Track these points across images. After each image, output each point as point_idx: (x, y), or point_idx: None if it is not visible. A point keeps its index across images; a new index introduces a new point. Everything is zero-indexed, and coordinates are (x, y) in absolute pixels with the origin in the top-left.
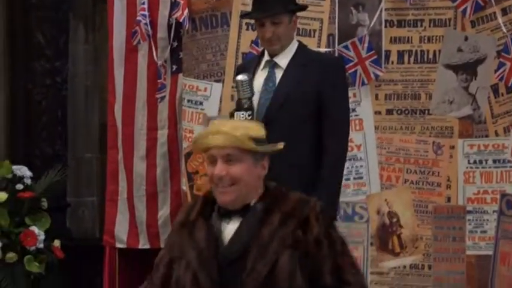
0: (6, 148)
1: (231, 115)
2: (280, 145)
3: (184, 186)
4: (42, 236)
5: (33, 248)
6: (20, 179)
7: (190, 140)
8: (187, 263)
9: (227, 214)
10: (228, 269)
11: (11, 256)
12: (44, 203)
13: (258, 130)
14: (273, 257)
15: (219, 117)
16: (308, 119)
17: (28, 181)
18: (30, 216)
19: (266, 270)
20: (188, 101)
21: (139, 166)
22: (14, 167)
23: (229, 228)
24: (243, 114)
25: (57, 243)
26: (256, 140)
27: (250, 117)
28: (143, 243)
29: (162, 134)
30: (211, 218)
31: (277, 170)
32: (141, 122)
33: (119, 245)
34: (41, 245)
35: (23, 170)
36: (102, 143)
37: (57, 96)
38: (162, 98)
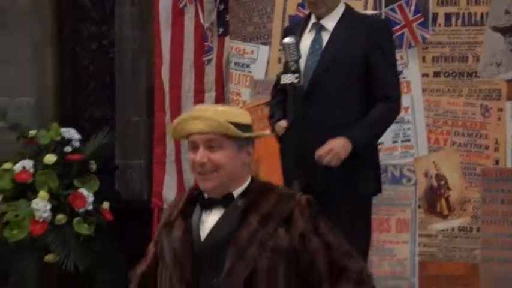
0: (55, 111)
1: (278, 78)
2: (267, 132)
3: None
4: (90, 198)
5: (82, 210)
6: (69, 142)
7: (237, 102)
8: (166, 264)
9: (209, 205)
10: (204, 267)
11: (60, 218)
12: (93, 166)
13: (243, 116)
14: (251, 262)
15: (266, 80)
16: (355, 82)
17: (76, 144)
18: (79, 178)
19: (245, 274)
20: (235, 63)
21: None
22: (63, 130)
23: (210, 220)
24: (289, 77)
25: (105, 205)
26: (240, 126)
27: (297, 79)
28: None
29: (209, 97)
30: (193, 214)
31: (323, 135)
32: (188, 84)
33: (166, 207)
34: (90, 207)
35: (71, 133)
36: (149, 106)
37: (104, 60)
38: (209, 60)
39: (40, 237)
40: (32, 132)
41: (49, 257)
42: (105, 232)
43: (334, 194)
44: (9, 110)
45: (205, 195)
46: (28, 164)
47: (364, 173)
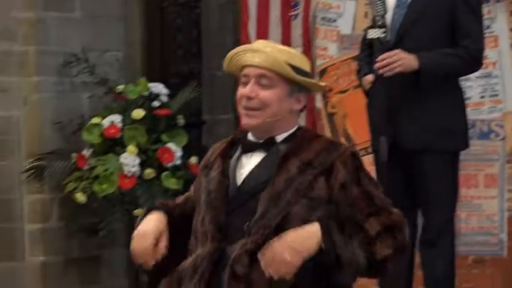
0: (142, 66)
1: (365, 32)
2: (323, 84)
3: (319, 104)
4: (179, 153)
5: (170, 164)
6: (157, 97)
7: (324, 57)
8: (200, 205)
9: (250, 148)
10: (237, 211)
11: (149, 172)
12: (181, 120)
13: (303, 62)
14: (285, 208)
15: (353, 35)
16: (441, 35)
17: (164, 98)
18: (167, 133)
19: (278, 220)
20: (321, 18)
21: None
22: (150, 85)
23: (249, 164)
24: (376, 31)
25: (193, 160)
26: (297, 69)
27: (384, 34)
28: None
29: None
30: (232, 157)
31: (409, 88)
32: (275, 39)
33: None
34: (178, 162)
35: (159, 88)
36: None
37: (191, 15)
38: (296, 15)
39: (129, 192)
40: (120, 87)
41: (138, 211)
42: None
43: (422, 150)
44: (98, 65)
45: (248, 137)
46: (116, 118)
47: (451, 128)
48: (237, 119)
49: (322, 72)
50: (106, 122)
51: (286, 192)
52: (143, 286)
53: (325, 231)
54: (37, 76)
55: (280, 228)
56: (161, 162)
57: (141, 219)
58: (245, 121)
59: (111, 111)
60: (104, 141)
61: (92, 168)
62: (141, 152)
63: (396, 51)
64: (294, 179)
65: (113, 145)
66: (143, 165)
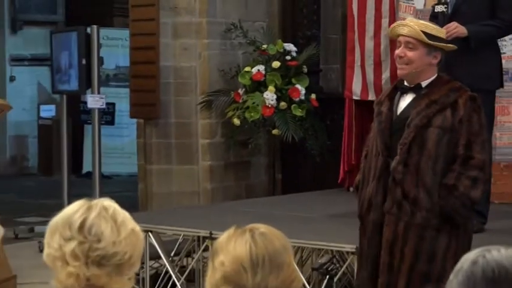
0: (279, 31)
1: (433, 7)
2: (451, 46)
3: None
4: (303, 91)
5: (297, 99)
6: (289, 52)
7: None
8: (374, 132)
9: (405, 91)
10: (396, 134)
11: (283, 104)
12: (304, 69)
13: (436, 30)
14: (414, 130)
15: (424, 9)
16: (484, 11)
17: (294, 54)
18: (295, 77)
19: (409, 139)
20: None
21: (369, 43)
22: (285, 44)
23: (404, 102)
24: (440, 7)
25: (313, 96)
26: (430, 36)
27: (445, 9)
28: (371, 96)
29: (385, 21)
30: (395, 97)
31: (463, 46)
32: (371, 12)
33: (355, 98)
34: (302, 97)
35: (290, 46)
36: (343, 27)
37: None
38: None
39: (269, 118)
40: (264, 46)
41: (275, 131)
42: (312, 114)
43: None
44: (249, 31)
45: (404, 83)
46: (261, 68)
47: (489, 73)
48: (343, 68)
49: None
50: (254, 70)
51: (415, 120)
52: (277, 182)
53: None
54: (207, 39)
55: (412, 146)
56: (291, 97)
57: None
58: (398, 72)
59: (258, 63)
60: (253, 83)
61: (244, 101)
62: (278, 90)
63: (454, 23)
64: (421, 112)
65: (258, 86)
66: (279, 99)
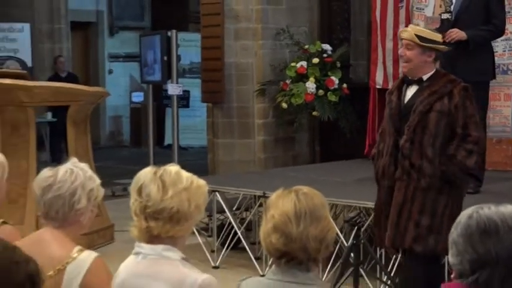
0: (317, 35)
1: (440, 15)
2: (443, 47)
3: None
4: (337, 81)
5: (332, 87)
6: (325, 51)
7: None
8: (386, 118)
9: (410, 83)
10: (404, 119)
11: (321, 92)
12: (338, 64)
13: (430, 34)
14: (419, 115)
15: (433, 17)
16: (479, 17)
17: (329, 52)
18: (331, 71)
19: (415, 122)
20: (416, 8)
21: (389, 44)
22: (322, 45)
23: (409, 93)
24: (445, 14)
25: (344, 85)
26: (423, 39)
27: (450, 16)
28: (390, 85)
29: (402, 26)
30: (402, 89)
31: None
32: (390, 19)
33: (377, 86)
34: (336, 86)
35: (326, 46)
36: (368, 31)
37: (343, 6)
38: (402, 6)
39: (310, 102)
40: (306, 46)
41: (315, 113)
42: (344, 100)
43: (466, 81)
44: (295, 34)
45: (409, 77)
46: (304, 63)
47: (485, 67)
48: (368, 63)
49: None
50: (298, 65)
51: (419, 107)
52: (316, 154)
53: (434, 129)
54: (262, 40)
55: (417, 127)
56: (327, 86)
57: None
58: (401, 69)
59: (301, 59)
60: (297, 75)
61: (291, 89)
62: (317, 81)
63: (455, 29)
64: (424, 100)
65: (301, 77)
66: (317, 88)
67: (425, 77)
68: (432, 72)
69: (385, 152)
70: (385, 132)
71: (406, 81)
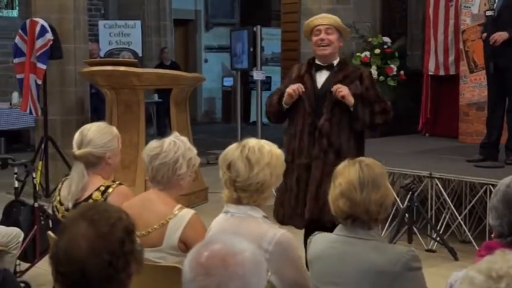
0: (379, 29)
1: (485, 12)
2: (349, 33)
3: (461, 45)
4: (395, 69)
5: (391, 74)
6: (386, 43)
7: (464, 25)
8: (301, 98)
9: (320, 68)
10: (319, 99)
11: (381, 78)
12: (396, 54)
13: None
14: (336, 95)
15: (479, 13)
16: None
17: (389, 44)
18: (390, 60)
19: (332, 101)
20: (464, 6)
21: (440, 37)
22: (383, 38)
23: (321, 77)
24: (489, 12)
25: (402, 72)
26: (340, 26)
27: (493, 13)
28: (441, 72)
29: (452, 24)
30: (311, 72)
31: (502, 44)
32: (442, 15)
33: (430, 73)
34: (395, 73)
35: (387, 39)
36: (423, 26)
37: (402, 5)
38: (452, 4)
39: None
40: (369, 39)
41: None
42: (401, 84)
43: (506, 68)
44: (359, 29)
45: (316, 62)
46: (367, 53)
47: None
48: (422, 53)
49: (462, 32)
50: (363, 55)
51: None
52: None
53: (355, 102)
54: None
55: (335, 105)
56: (387, 73)
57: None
58: (321, 53)
59: (365, 50)
60: (362, 63)
61: None
62: (378, 68)
63: (497, 33)
64: (339, 83)
65: (365, 65)
66: (379, 74)
67: (335, 63)
68: (339, 59)
69: (301, 132)
70: (298, 115)
71: (315, 67)
